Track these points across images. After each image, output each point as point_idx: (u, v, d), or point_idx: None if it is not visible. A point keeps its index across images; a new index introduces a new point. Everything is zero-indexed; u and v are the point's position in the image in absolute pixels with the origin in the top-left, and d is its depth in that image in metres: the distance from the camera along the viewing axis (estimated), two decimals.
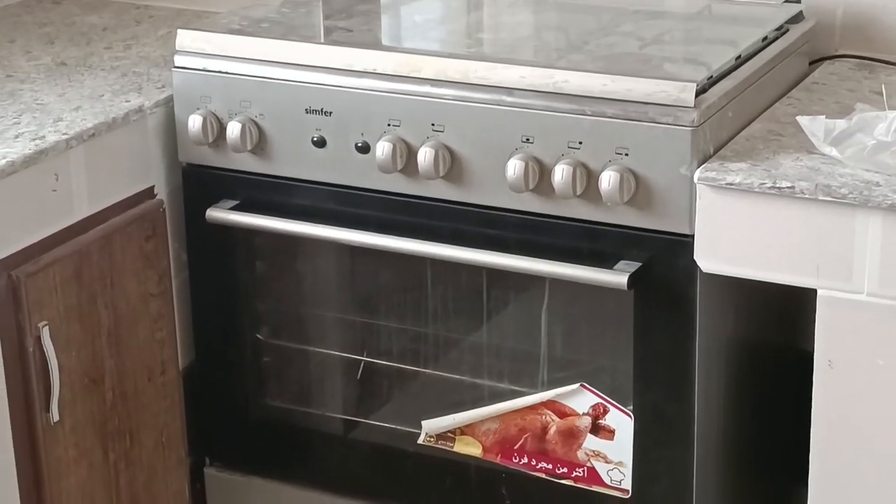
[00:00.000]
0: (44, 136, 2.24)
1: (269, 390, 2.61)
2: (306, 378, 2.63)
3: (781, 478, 2.56)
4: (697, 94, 2.12)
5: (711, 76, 2.18)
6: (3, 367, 2.21)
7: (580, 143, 2.17)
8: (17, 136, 2.24)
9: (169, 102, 2.44)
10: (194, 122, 2.40)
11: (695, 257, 2.15)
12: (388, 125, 2.29)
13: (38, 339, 2.23)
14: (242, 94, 2.39)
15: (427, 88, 2.27)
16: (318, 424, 2.60)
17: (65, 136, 2.25)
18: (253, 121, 2.38)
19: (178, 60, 2.43)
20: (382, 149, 2.27)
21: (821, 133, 2.10)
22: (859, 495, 2.14)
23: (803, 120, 2.14)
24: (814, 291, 2.09)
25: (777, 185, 2.04)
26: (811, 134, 2.11)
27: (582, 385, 2.30)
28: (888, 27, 2.50)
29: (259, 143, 2.39)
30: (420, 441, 2.43)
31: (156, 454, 2.52)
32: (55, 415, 2.28)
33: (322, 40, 2.46)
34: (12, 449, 2.24)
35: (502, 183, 2.22)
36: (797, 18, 2.46)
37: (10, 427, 2.23)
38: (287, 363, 2.61)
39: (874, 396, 2.10)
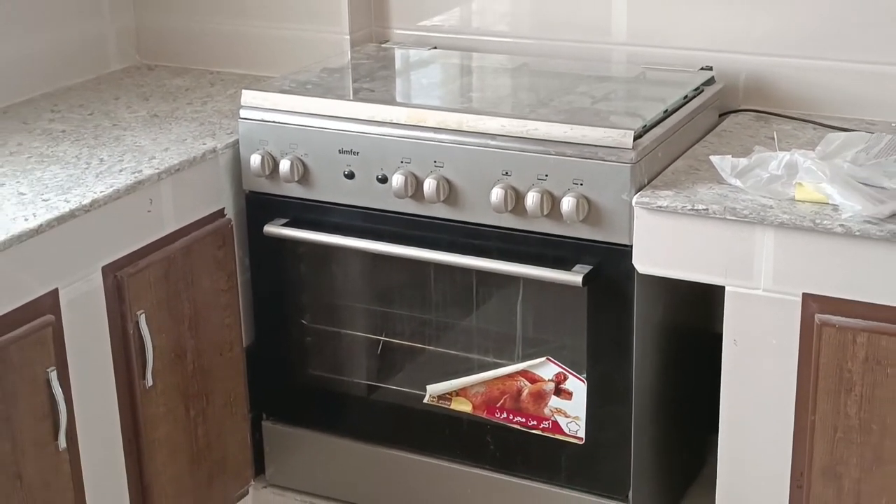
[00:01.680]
0: (141, 171, 2.24)
1: (311, 362, 2.60)
2: (339, 353, 2.62)
3: (698, 428, 2.56)
4: (635, 138, 2.12)
5: (645, 125, 2.18)
6: (110, 345, 2.21)
7: (546, 175, 2.17)
8: (120, 171, 2.24)
9: (235, 145, 2.44)
10: (254, 160, 2.40)
11: (633, 262, 2.14)
12: (401, 162, 2.28)
13: (137, 323, 2.24)
14: (291, 138, 2.38)
15: (430, 134, 2.26)
16: (348, 388, 2.60)
17: (157, 171, 2.25)
18: (299, 159, 2.37)
19: (243, 113, 2.42)
20: (397, 180, 2.27)
21: (728, 168, 2.11)
22: (757, 441, 2.14)
23: (715, 158, 2.14)
24: (723, 287, 2.09)
25: (695, 208, 2.04)
26: (721, 169, 2.11)
27: (547, 358, 2.30)
28: (778, 89, 2.49)
29: (303, 175, 2.38)
30: (425, 401, 2.42)
31: (225, 411, 2.51)
32: (149, 381, 2.28)
33: (351, 98, 2.46)
34: (117, 407, 2.25)
35: (487, 206, 2.22)
36: (710, 82, 2.46)
37: (115, 390, 2.24)
38: (325, 342, 2.60)
39: (768, 367, 2.10)
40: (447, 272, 2.42)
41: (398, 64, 2.72)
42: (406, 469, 2.52)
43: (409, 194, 2.28)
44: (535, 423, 2.33)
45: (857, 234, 1.94)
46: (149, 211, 2.26)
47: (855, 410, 2.03)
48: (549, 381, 2.30)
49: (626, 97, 2.48)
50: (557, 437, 2.32)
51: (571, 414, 2.29)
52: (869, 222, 1.93)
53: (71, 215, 2.06)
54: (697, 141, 2.34)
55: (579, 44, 2.64)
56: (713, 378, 2.16)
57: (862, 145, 2.15)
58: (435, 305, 2.51)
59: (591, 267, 2.18)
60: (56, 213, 2.04)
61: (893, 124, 2.38)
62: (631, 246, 2.14)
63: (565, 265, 2.19)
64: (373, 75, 2.60)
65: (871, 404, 2.01)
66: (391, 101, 2.42)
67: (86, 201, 2.09)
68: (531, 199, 2.17)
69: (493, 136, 2.21)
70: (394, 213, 2.33)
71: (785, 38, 2.46)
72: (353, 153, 2.33)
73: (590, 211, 2.15)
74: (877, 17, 2.38)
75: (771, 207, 2.00)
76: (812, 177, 2.01)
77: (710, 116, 2.42)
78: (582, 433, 2.29)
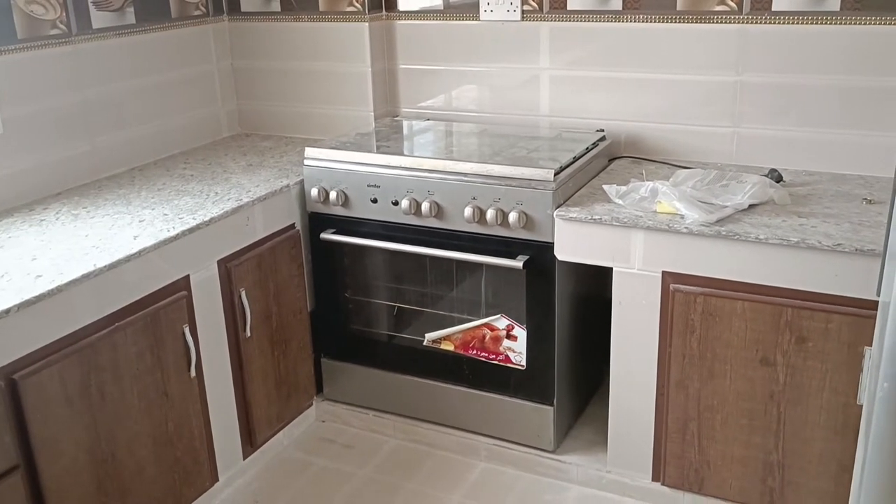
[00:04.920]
0: (241, 199, 2.24)
1: (352, 320, 2.60)
2: (369, 314, 2.62)
3: (597, 358, 2.56)
4: (555, 175, 2.13)
5: (561, 166, 2.19)
6: (222, 310, 2.21)
7: (499, 198, 2.18)
8: (228, 199, 2.24)
9: (301, 182, 2.43)
10: (314, 192, 2.40)
11: (555, 253, 2.16)
12: (407, 192, 2.29)
13: (240, 296, 2.24)
14: (337, 177, 2.38)
15: (425, 174, 2.27)
16: (375, 337, 2.59)
17: (252, 199, 2.25)
18: (342, 191, 2.38)
19: (306, 162, 2.43)
20: (404, 203, 2.28)
21: (614, 192, 2.12)
22: (634, 366, 2.15)
23: (605, 186, 2.16)
24: (611, 268, 2.10)
25: (593, 217, 2.05)
26: (609, 193, 2.13)
27: (502, 315, 2.31)
28: (645, 143, 2.51)
29: (345, 201, 2.39)
30: (424, 343, 2.43)
31: (297, 353, 2.51)
32: (248, 333, 2.28)
33: (375, 151, 2.45)
34: (227, 350, 2.25)
35: (462, 219, 2.22)
36: (602, 139, 2.46)
37: (226, 339, 2.24)
38: (361, 307, 2.60)
39: (641, 318, 2.11)
40: (437, 262, 2.43)
41: (405, 130, 2.73)
42: (412, 387, 2.52)
43: (412, 212, 2.29)
44: (494, 356, 2.34)
45: (696, 233, 1.95)
46: (247, 225, 2.26)
47: (696, 345, 2.04)
48: (502, 329, 2.32)
49: (549, 149, 2.49)
50: (508, 365, 2.33)
51: (517, 350, 2.31)
52: (703, 225, 1.95)
53: (197, 228, 2.07)
54: (594, 176, 2.35)
55: (519, 116, 2.65)
56: (606, 326, 2.17)
57: (699, 177, 2.17)
58: (430, 283, 2.51)
59: (528, 256, 2.19)
60: (188, 226, 2.04)
61: (719, 164, 2.39)
62: (553, 243, 2.15)
63: (512, 256, 2.20)
64: (389, 137, 2.61)
65: (706, 341, 2.03)
66: (401, 153, 2.42)
67: (206, 219, 2.10)
68: (490, 214, 2.18)
69: (465, 174, 2.22)
70: (402, 224, 2.33)
71: (648, 112, 2.47)
72: (377, 186, 2.34)
73: (527, 221, 2.16)
74: (702, 100, 2.39)
75: (641, 216, 2.02)
76: (667, 197, 2.03)
77: (602, 160, 2.43)
78: (524, 363, 2.30)
